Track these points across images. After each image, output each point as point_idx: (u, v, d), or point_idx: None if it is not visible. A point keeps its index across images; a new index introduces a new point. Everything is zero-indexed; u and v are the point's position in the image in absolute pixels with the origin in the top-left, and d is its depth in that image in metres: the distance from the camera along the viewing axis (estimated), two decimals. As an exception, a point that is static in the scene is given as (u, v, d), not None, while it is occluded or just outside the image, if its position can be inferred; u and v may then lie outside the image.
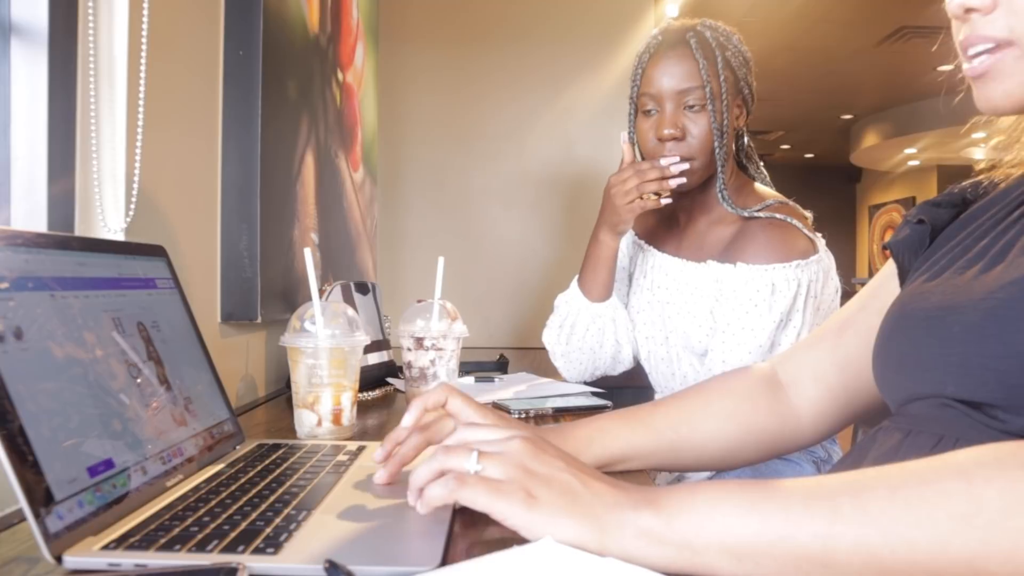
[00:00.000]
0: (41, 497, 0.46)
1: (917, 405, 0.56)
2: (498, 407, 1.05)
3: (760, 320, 1.09)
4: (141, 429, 0.59)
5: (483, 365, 1.56)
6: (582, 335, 1.28)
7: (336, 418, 0.88)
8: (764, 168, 1.31)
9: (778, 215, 1.14)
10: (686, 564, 0.45)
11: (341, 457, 0.73)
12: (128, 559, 0.47)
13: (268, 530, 0.52)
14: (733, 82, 1.16)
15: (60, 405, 0.51)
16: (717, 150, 1.14)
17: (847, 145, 9.86)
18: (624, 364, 1.32)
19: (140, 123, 0.83)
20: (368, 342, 0.93)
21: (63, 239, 0.59)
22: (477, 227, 2.39)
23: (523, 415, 1.01)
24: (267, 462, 0.71)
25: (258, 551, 0.48)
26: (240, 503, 0.58)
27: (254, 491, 0.61)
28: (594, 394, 1.17)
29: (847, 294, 0.92)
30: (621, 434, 0.72)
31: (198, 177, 1.08)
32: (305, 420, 0.88)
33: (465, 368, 1.46)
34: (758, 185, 1.25)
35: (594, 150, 2.37)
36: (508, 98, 2.38)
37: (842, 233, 11.40)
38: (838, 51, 6.41)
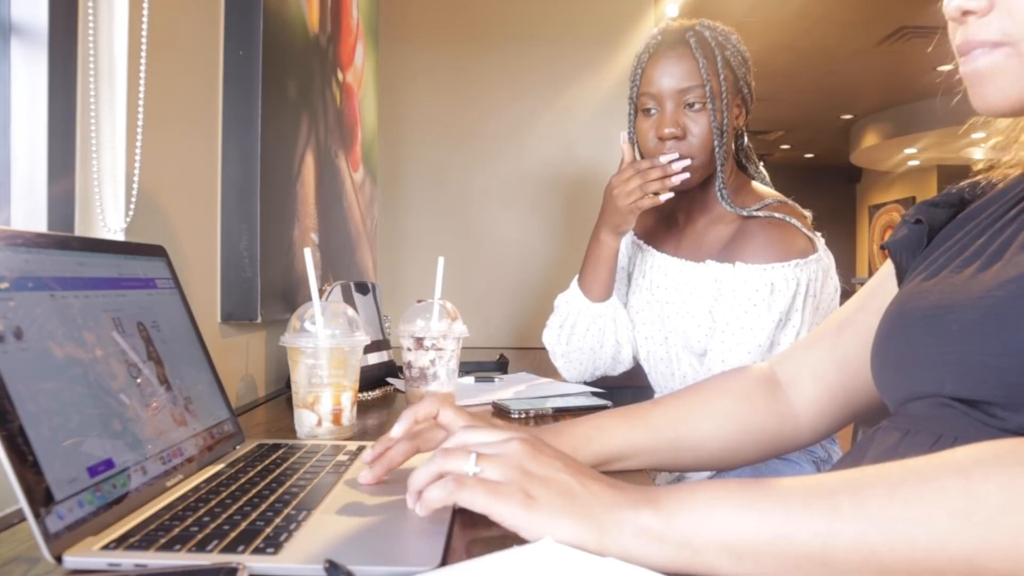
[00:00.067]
0: (41, 497, 0.46)
1: (916, 404, 0.56)
2: (498, 407, 1.05)
3: (759, 320, 1.09)
4: (141, 429, 0.59)
5: (483, 365, 1.56)
6: (582, 335, 1.28)
7: (336, 418, 0.88)
8: (764, 168, 1.31)
9: (777, 214, 1.14)
10: (686, 563, 0.45)
11: (341, 457, 0.73)
12: (128, 559, 0.47)
13: (268, 530, 0.52)
14: (733, 81, 1.16)
15: (60, 405, 0.51)
16: (717, 149, 1.14)
17: (847, 145, 9.86)
18: (624, 364, 1.32)
19: (140, 123, 0.83)
20: (368, 342, 0.93)
21: (63, 239, 0.59)
22: (477, 227, 2.39)
23: (523, 415, 1.01)
24: (267, 462, 0.71)
25: (258, 551, 0.48)
26: (240, 503, 0.58)
27: (254, 491, 0.61)
28: (594, 394, 1.17)
29: (847, 294, 0.92)
30: (619, 432, 0.72)
31: (198, 177, 1.08)
32: (305, 420, 0.88)
33: (465, 368, 1.46)
34: (757, 184, 1.25)
35: (594, 150, 2.37)
36: (508, 98, 2.38)
37: (842, 233, 11.40)
38: (838, 51, 6.41)
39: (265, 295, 1.17)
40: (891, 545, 0.41)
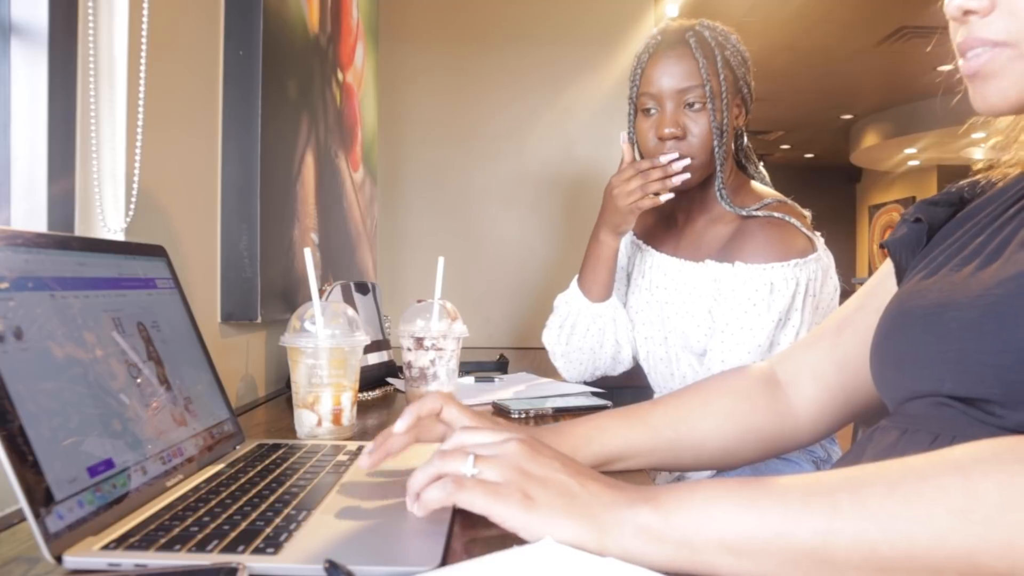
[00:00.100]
0: (41, 497, 0.46)
1: (915, 404, 0.56)
2: (498, 407, 1.05)
3: (759, 319, 1.09)
4: (141, 429, 0.59)
5: (483, 365, 1.56)
6: (582, 335, 1.28)
7: (336, 418, 0.88)
8: (764, 168, 1.31)
9: (776, 214, 1.14)
10: (685, 562, 0.45)
11: (341, 457, 0.73)
12: (128, 559, 0.47)
13: (268, 530, 0.52)
14: (732, 81, 1.16)
15: (60, 405, 0.51)
16: (716, 149, 1.14)
17: (847, 145, 9.86)
18: (624, 364, 1.32)
19: (140, 123, 0.83)
20: (368, 342, 0.93)
21: (63, 239, 0.59)
22: (477, 227, 2.39)
23: (523, 415, 1.01)
24: (267, 462, 0.71)
25: (258, 551, 0.48)
26: (240, 503, 0.58)
27: (254, 491, 0.61)
28: (594, 394, 1.17)
29: (847, 294, 0.92)
30: (619, 432, 0.72)
31: (198, 177, 1.08)
32: (305, 420, 0.88)
33: (465, 368, 1.46)
34: (757, 184, 1.25)
35: (594, 150, 2.37)
36: (508, 98, 2.38)
37: (842, 233, 11.40)
38: (838, 51, 6.41)
39: (265, 295, 1.17)
40: (890, 543, 0.41)
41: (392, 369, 1.33)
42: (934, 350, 0.53)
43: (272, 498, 0.59)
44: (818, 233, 1.17)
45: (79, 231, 0.79)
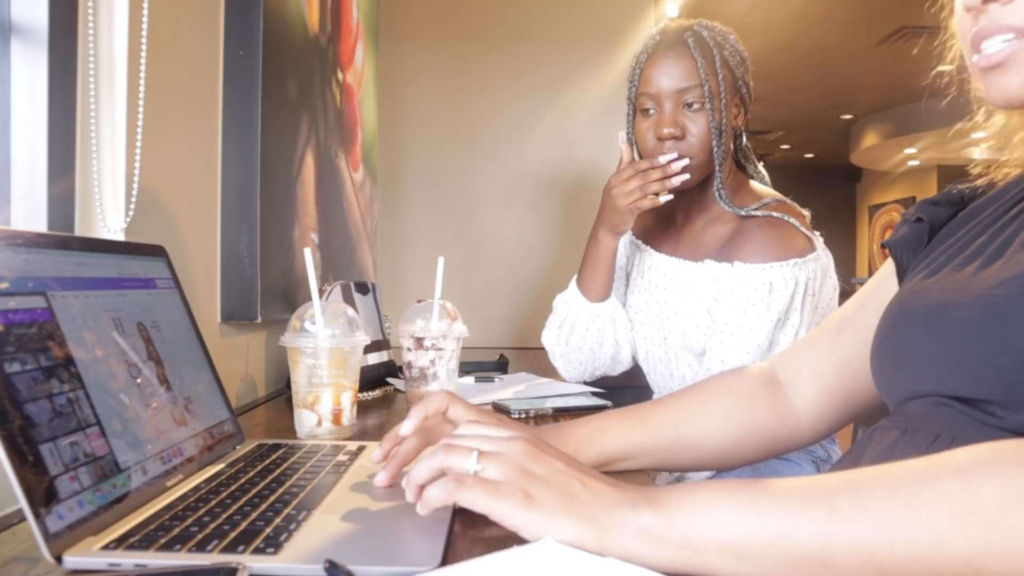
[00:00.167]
0: (41, 497, 0.46)
1: (915, 404, 0.56)
2: (498, 407, 1.05)
3: (758, 319, 1.09)
4: (141, 429, 0.59)
5: (483, 365, 1.56)
6: (582, 335, 1.28)
7: (336, 418, 0.88)
8: (763, 168, 1.31)
9: (775, 213, 1.14)
10: (685, 563, 0.45)
11: (341, 457, 0.73)
12: (128, 559, 0.47)
13: (268, 530, 0.52)
14: (731, 81, 1.16)
15: (60, 405, 0.51)
16: (715, 149, 1.14)
17: (847, 145, 9.86)
18: (623, 364, 1.32)
19: (140, 123, 0.83)
20: (368, 342, 0.93)
21: (63, 239, 0.59)
22: (477, 227, 2.39)
23: (523, 415, 1.01)
24: (267, 462, 0.71)
25: (258, 551, 0.48)
26: (240, 503, 0.58)
27: (254, 491, 0.61)
28: (594, 394, 1.17)
29: (847, 294, 0.92)
30: (620, 433, 0.72)
31: (198, 177, 1.08)
32: (305, 420, 0.88)
33: (465, 368, 1.46)
34: (756, 184, 1.25)
35: (594, 150, 2.37)
36: (508, 98, 2.38)
37: (842, 233, 11.41)
38: (838, 51, 6.41)
39: (265, 295, 1.17)
40: (891, 546, 0.41)
41: (392, 369, 1.33)
42: (935, 350, 0.53)
43: (272, 498, 0.59)
44: (817, 233, 1.17)
45: (79, 231, 0.79)
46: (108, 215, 0.81)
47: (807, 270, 1.10)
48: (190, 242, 1.03)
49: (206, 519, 0.54)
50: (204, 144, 1.09)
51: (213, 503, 0.57)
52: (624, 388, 1.38)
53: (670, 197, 1.16)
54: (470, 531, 0.55)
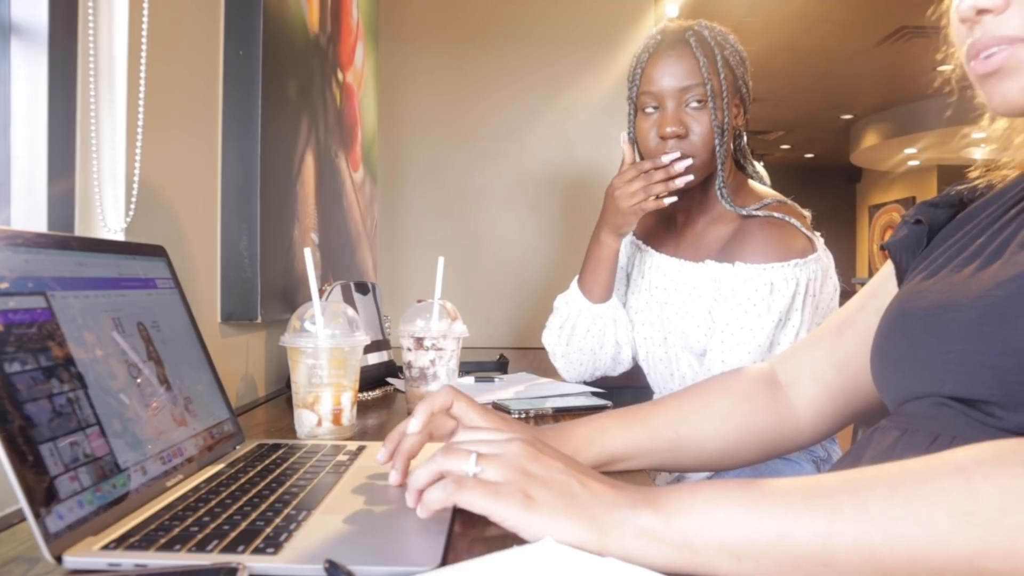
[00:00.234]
0: (41, 497, 0.46)
1: (915, 404, 0.56)
2: (498, 407, 1.05)
3: (759, 319, 1.09)
4: (141, 429, 0.59)
5: (483, 365, 1.56)
6: (583, 336, 1.28)
7: (336, 418, 0.88)
8: (763, 168, 1.31)
9: (776, 214, 1.14)
10: (686, 563, 0.45)
11: (341, 457, 0.73)
12: (128, 559, 0.47)
13: (268, 530, 0.52)
14: (732, 80, 1.16)
15: (60, 405, 0.51)
16: (718, 147, 1.14)
17: (847, 145, 9.87)
18: (624, 365, 1.32)
19: (140, 123, 0.83)
20: (368, 342, 0.93)
21: (63, 239, 0.59)
22: (477, 227, 2.39)
23: (523, 415, 1.01)
24: (267, 462, 0.71)
25: (258, 551, 0.48)
26: (240, 503, 0.58)
27: (254, 491, 0.61)
28: (594, 394, 1.17)
29: (847, 294, 0.93)
30: (620, 433, 0.72)
31: (198, 177, 1.08)
32: (305, 420, 0.88)
33: (465, 368, 1.46)
34: (755, 184, 1.25)
35: (594, 150, 2.37)
36: (508, 98, 2.38)
37: (842, 233, 11.41)
38: (838, 51, 6.41)
39: (265, 295, 1.17)
40: (891, 546, 0.41)
41: (392, 369, 1.33)
42: (934, 351, 0.53)
43: (272, 498, 0.59)
44: (818, 233, 1.17)
45: (79, 231, 0.79)
46: (108, 215, 0.81)
47: (808, 270, 1.10)
48: (190, 242, 1.03)
49: (206, 519, 0.54)
50: (204, 144, 1.09)
51: (213, 503, 0.57)
52: (624, 388, 1.38)
53: (675, 199, 1.16)
54: (470, 531, 0.55)
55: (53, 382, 0.51)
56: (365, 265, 1.95)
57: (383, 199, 2.29)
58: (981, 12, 0.53)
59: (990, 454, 0.42)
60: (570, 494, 0.48)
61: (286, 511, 0.56)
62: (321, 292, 1.18)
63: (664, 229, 1.31)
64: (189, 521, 0.53)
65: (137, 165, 0.82)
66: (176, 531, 0.51)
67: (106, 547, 0.48)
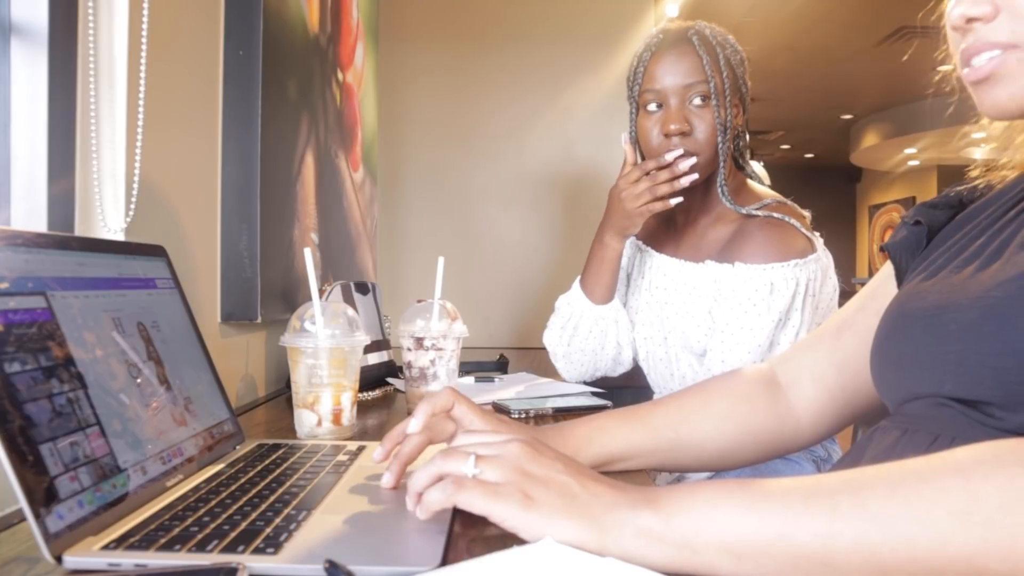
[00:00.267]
0: (41, 497, 0.46)
1: (915, 404, 0.56)
2: (498, 407, 1.05)
3: (759, 319, 1.09)
4: (141, 429, 0.59)
5: (483, 365, 1.56)
6: (584, 337, 1.28)
7: (336, 418, 0.88)
8: (763, 168, 1.32)
9: (776, 214, 1.14)
10: (685, 563, 0.45)
11: (341, 457, 0.73)
12: (128, 559, 0.47)
13: (268, 530, 0.52)
14: (733, 79, 1.17)
15: (60, 405, 0.51)
16: (720, 145, 1.14)
17: (847, 145, 9.87)
18: (624, 366, 1.32)
19: (140, 123, 0.83)
20: (368, 342, 0.93)
21: (63, 239, 0.59)
22: (477, 227, 2.40)
23: (523, 415, 1.01)
24: (267, 462, 0.71)
25: (258, 551, 0.48)
26: (240, 503, 0.58)
27: (254, 491, 0.61)
28: (594, 394, 1.17)
29: (847, 294, 0.93)
30: (620, 433, 0.72)
31: (198, 177, 1.08)
32: (305, 420, 0.88)
33: (465, 368, 1.46)
34: (755, 184, 1.25)
35: (594, 150, 2.37)
36: (508, 98, 2.38)
37: (842, 233, 11.41)
38: (838, 51, 6.41)
39: (265, 295, 1.17)
40: (891, 545, 0.41)
41: (392, 369, 1.33)
42: (934, 351, 0.53)
43: (272, 498, 0.59)
44: (817, 233, 1.17)
45: (79, 231, 0.79)
46: (108, 215, 0.81)
47: (808, 271, 1.10)
48: (190, 242, 1.03)
49: (206, 519, 0.54)
50: (204, 144, 1.09)
51: (213, 503, 0.57)
52: (624, 388, 1.38)
53: (680, 199, 1.16)
54: (470, 531, 0.55)
55: (53, 382, 0.51)
56: (365, 265, 1.95)
57: (383, 199, 2.29)
58: (971, 20, 0.53)
59: (990, 454, 0.42)
60: (570, 494, 0.48)
61: (286, 511, 0.56)
62: (321, 292, 1.18)
63: (664, 230, 1.31)
64: (189, 521, 0.53)
65: (137, 165, 0.82)
66: (176, 531, 0.51)
67: (106, 547, 0.48)
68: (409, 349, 1.05)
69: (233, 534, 0.51)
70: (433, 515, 0.53)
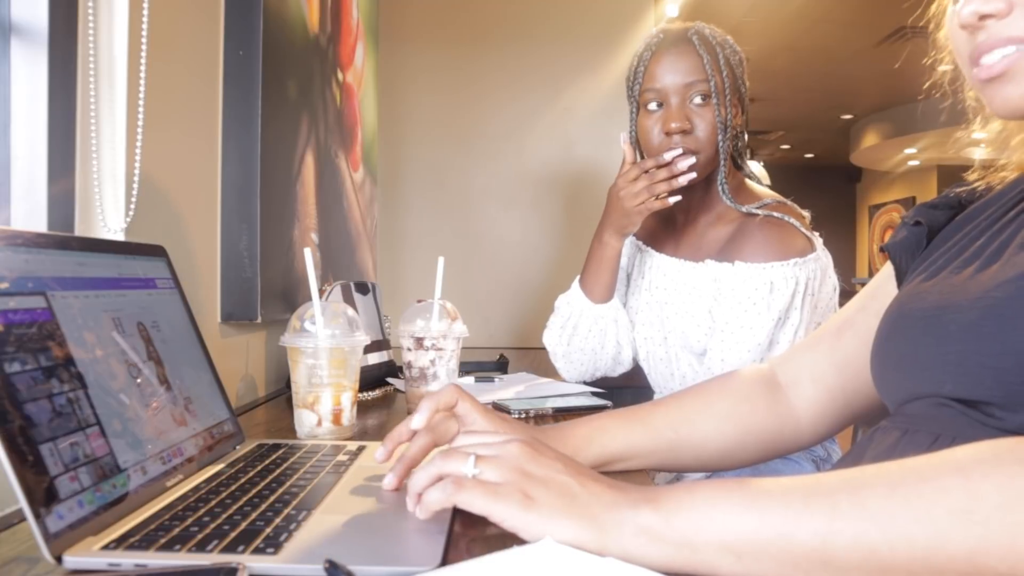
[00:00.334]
0: (41, 497, 0.46)
1: (915, 405, 0.56)
2: (498, 407, 1.05)
3: (758, 319, 1.09)
4: (141, 429, 0.59)
5: (483, 365, 1.56)
6: (584, 336, 1.28)
7: (336, 418, 0.88)
8: (763, 167, 1.32)
9: (775, 214, 1.14)
10: (685, 562, 0.45)
11: (341, 457, 0.73)
12: (128, 559, 0.47)
13: (268, 530, 0.52)
14: (732, 79, 1.17)
15: (60, 405, 0.51)
16: (720, 144, 1.15)
17: (847, 145, 9.87)
18: (624, 365, 1.32)
19: (140, 123, 0.83)
20: (368, 342, 0.93)
21: (63, 239, 0.59)
22: (477, 227, 2.40)
23: (523, 415, 1.01)
24: (267, 462, 0.71)
25: (258, 551, 0.48)
26: (240, 503, 0.58)
27: (254, 491, 0.61)
28: (594, 394, 1.17)
29: (847, 294, 0.93)
30: (620, 433, 0.72)
31: (198, 177, 1.08)
32: (305, 420, 0.88)
33: (465, 368, 1.46)
34: (754, 185, 1.26)
35: (594, 150, 2.37)
36: (508, 98, 2.38)
37: (842, 233, 11.41)
38: (838, 51, 6.41)
39: (265, 295, 1.17)
40: (891, 544, 0.41)
41: (392, 369, 1.33)
42: (934, 352, 0.53)
43: (272, 498, 0.59)
44: (816, 233, 1.17)
45: (79, 231, 0.79)
46: (108, 215, 0.81)
47: (807, 270, 1.10)
48: (190, 242, 1.03)
49: (206, 519, 0.54)
50: (204, 144, 1.09)
51: (213, 503, 0.57)
52: (624, 388, 1.38)
53: (678, 198, 1.16)
54: (470, 531, 0.55)
55: (53, 382, 0.51)
56: (365, 265, 1.95)
57: (383, 199, 2.29)
58: (984, 17, 0.53)
59: (989, 453, 0.42)
60: (569, 494, 0.48)
61: (286, 511, 0.56)
62: (321, 292, 1.18)
63: (664, 229, 1.32)
64: (189, 521, 0.53)
65: (137, 165, 0.82)
66: (176, 531, 0.51)
67: (106, 547, 0.48)
68: (409, 349, 1.05)
69: (233, 534, 0.51)
70: (433, 515, 0.53)
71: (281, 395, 1.28)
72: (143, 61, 0.83)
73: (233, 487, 0.62)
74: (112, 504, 0.53)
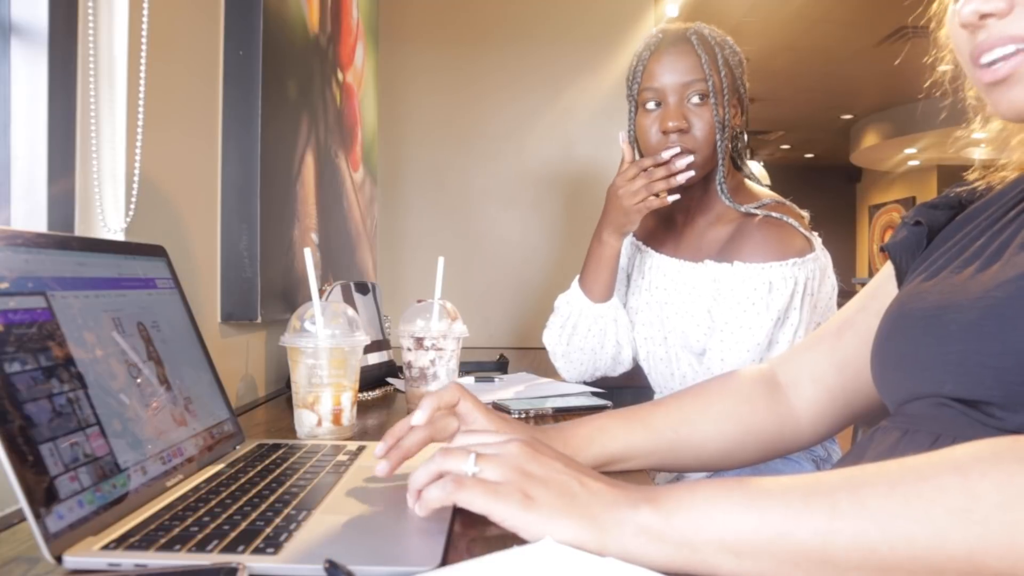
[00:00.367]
0: (41, 497, 0.46)
1: (915, 405, 0.56)
2: (498, 407, 1.05)
3: (758, 318, 1.09)
4: (141, 429, 0.59)
5: (483, 365, 1.56)
6: (583, 336, 1.28)
7: (336, 418, 0.88)
8: (763, 167, 1.32)
9: (775, 214, 1.14)
10: (685, 562, 0.45)
11: (341, 457, 0.73)
12: (128, 559, 0.47)
13: (268, 530, 0.52)
14: (731, 80, 1.17)
15: (60, 405, 0.51)
16: (719, 143, 1.15)
17: (847, 145, 9.87)
18: (624, 365, 1.32)
19: (140, 123, 0.83)
20: (368, 342, 0.93)
21: (63, 239, 0.59)
22: (477, 227, 2.40)
23: (523, 415, 1.01)
24: (267, 462, 0.71)
25: (258, 551, 0.48)
26: (240, 503, 0.58)
27: (254, 491, 0.61)
28: (594, 394, 1.17)
29: (847, 294, 0.93)
30: (620, 434, 0.72)
31: (198, 177, 1.08)
32: (305, 420, 0.88)
33: (465, 368, 1.46)
34: (753, 185, 1.26)
35: (594, 150, 2.37)
36: (508, 98, 2.38)
37: (842, 233, 11.41)
38: (838, 51, 6.41)
39: (265, 295, 1.17)
40: (890, 543, 0.41)
41: (392, 369, 1.33)
42: (935, 352, 0.53)
43: (272, 498, 0.59)
44: (815, 233, 1.17)
45: (79, 231, 0.79)
46: (108, 215, 0.81)
47: (806, 270, 1.10)
48: (190, 242, 1.03)
49: (206, 519, 0.54)
50: (204, 144, 1.09)
51: (213, 503, 0.57)
52: (624, 388, 1.38)
53: (677, 197, 1.17)
54: (470, 531, 0.55)
55: (53, 382, 0.51)
56: (365, 265, 1.95)
57: (383, 199, 2.29)
58: (985, 16, 0.53)
59: (988, 452, 0.42)
60: (569, 494, 0.48)
61: (286, 511, 0.56)
62: (321, 292, 1.18)
63: (664, 230, 1.32)
64: (189, 521, 0.53)
65: (137, 165, 0.82)
66: (176, 531, 0.51)
67: (106, 547, 0.48)
68: (409, 349, 1.05)
69: (233, 534, 0.51)
70: (432, 512, 0.53)
71: (281, 395, 1.28)
72: (143, 61, 0.83)
73: (233, 487, 0.62)
74: (112, 504, 0.53)
